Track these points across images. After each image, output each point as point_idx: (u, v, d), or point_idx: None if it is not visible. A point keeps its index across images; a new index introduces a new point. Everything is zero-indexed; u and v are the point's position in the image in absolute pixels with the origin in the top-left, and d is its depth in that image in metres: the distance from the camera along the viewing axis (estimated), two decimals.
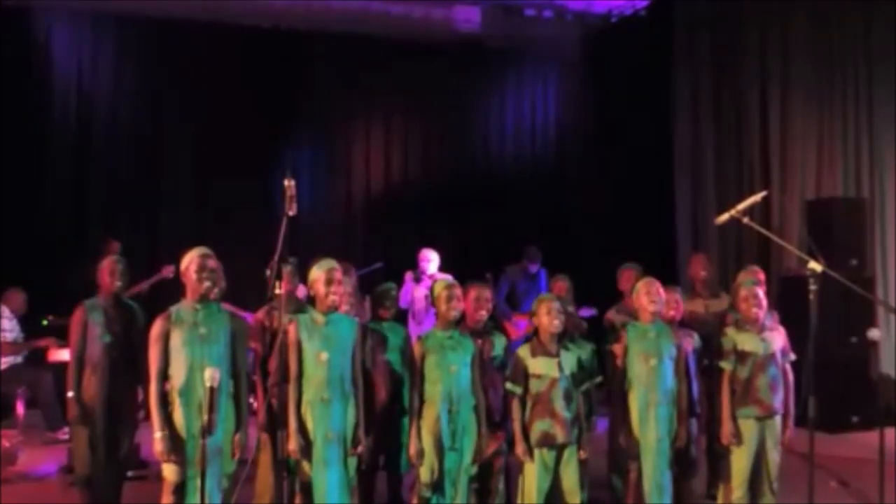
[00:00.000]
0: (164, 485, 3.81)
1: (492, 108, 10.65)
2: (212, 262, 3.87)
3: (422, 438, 4.07)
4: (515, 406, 4.17)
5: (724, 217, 4.40)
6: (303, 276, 4.24)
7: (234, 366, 3.88)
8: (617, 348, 4.41)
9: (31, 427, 6.73)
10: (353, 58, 9.55)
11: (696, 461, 4.77)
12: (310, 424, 3.88)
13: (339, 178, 10.05)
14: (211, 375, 3.33)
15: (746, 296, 4.42)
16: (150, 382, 3.80)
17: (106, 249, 7.13)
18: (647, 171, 9.15)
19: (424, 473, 4.07)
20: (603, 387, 4.61)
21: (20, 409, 6.85)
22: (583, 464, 4.24)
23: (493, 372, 4.33)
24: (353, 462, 3.99)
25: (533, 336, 4.24)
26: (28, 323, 7.08)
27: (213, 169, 9.34)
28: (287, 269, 4.10)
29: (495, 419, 4.29)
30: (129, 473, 5.00)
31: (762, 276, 4.69)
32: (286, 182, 3.74)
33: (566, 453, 4.15)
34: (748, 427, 4.35)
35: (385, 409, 4.52)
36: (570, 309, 4.71)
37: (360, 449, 3.99)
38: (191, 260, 3.87)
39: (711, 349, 4.68)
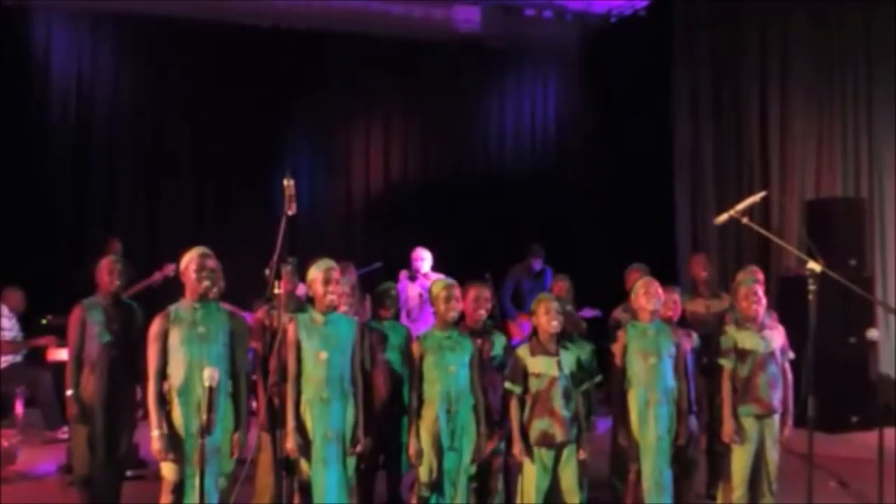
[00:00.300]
0: (162, 484, 3.81)
1: (491, 108, 10.65)
2: (211, 262, 3.88)
3: (421, 438, 4.07)
4: (514, 405, 4.17)
5: (724, 217, 4.41)
6: (302, 275, 4.25)
7: (232, 365, 3.88)
8: (616, 348, 4.41)
9: (30, 426, 6.72)
10: (353, 58, 9.56)
11: (696, 460, 4.77)
12: (309, 424, 3.89)
13: (338, 177, 10.05)
14: (210, 375, 3.33)
15: (746, 293, 4.43)
16: (148, 381, 3.80)
17: (107, 249, 7.13)
18: (646, 171, 9.15)
19: (423, 473, 4.08)
20: (602, 386, 4.61)
21: (19, 408, 6.85)
22: (582, 464, 4.25)
23: (492, 371, 4.33)
24: (352, 461, 3.99)
25: (532, 336, 4.25)
26: (27, 322, 7.08)
27: (212, 169, 9.35)
28: (287, 269, 4.11)
29: (495, 419, 4.29)
30: (128, 473, 5.01)
31: (761, 276, 4.69)
32: (285, 182, 3.75)
33: (565, 453, 4.15)
34: (748, 425, 4.36)
35: (385, 409, 4.52)
36: (569, 308, 4.71)
37: (359, 448, 3.99)
38: (190, 259, 3.87)
39: (712, 349, 4.69)
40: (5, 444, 5.89)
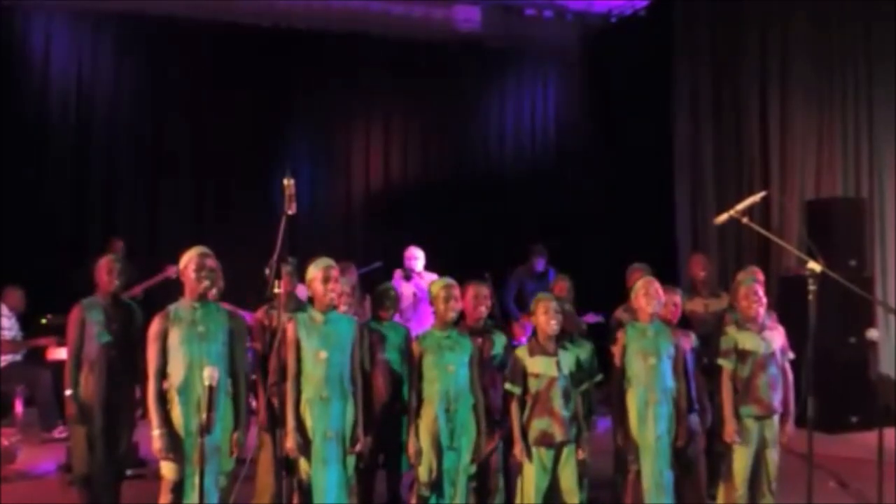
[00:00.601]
0: (162, 483, 3.82)
1: (492, 108, 10.65)
2: (210, 262, 3.88)
3: (420, 438, 4.07)
4: (514, 406, 4.17)
5: (724, 217, 4.40)
6: (302, 275, 4.25)
7: (232, 364, 3.88)
8: (615, 349, 4.41)
9: (29, 425, 6.73)
10: (353, 57, 9.56)
11: (696, 460, 4.77)
12: (309, 423, 3.89)
13: (338, 177, 10.05)
14: (209, 374, 3.34)
15: (746, 293, 4.43)
16: (148, 381, 3.80)
17: (109, 248, 7.15)
18: (646, 171, 9.15)
19: (423, 473, 4.08)
20: (603, 386, 4.61)
21: (19, 407, 6.86)
22: (582, 463, 4.25)
23: (493, 371, 4.33)
24: (351, 461, 4.00)
25: (531, 336, 4.25)
26: (27, 321, 7.09)
27: (212, 169, 9.36)
28: (286, 269, 4.11)
29: (496, 418, 4.29)
30: (128, 472, 5.01)
31: (761, 276, 4.69)
32: (285, 181, 3.75)
33: (565, 453, 4.15)
34: (748, 426, 4.36)
35: (384, 409, 4.52)
36: (568, 307, 4.71)
37: (358, 447, 3.99)
38: (189, 259, 3.88)
39: (709, 348, 4.69)
40: (5, 443, 5.90)
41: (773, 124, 8.40)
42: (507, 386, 4.20)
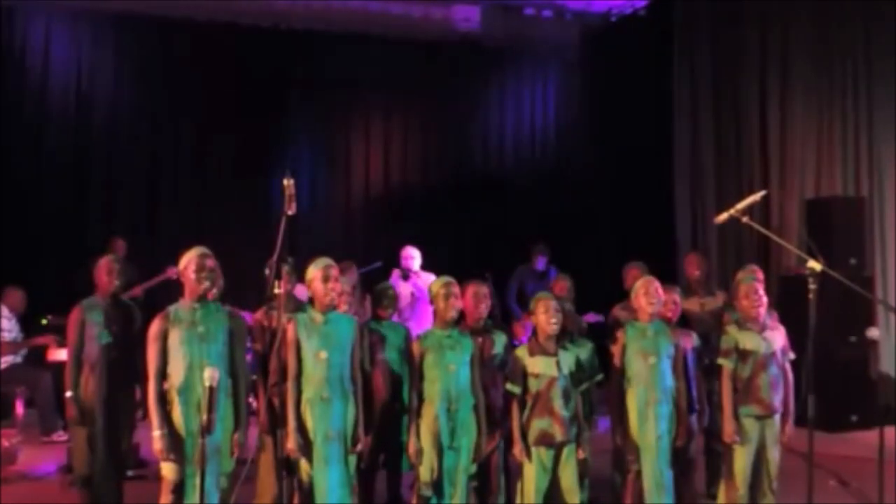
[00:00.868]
0: (162, 484, 3.81)
1: (491, 107, 10.65)
2: (210, 262, 3.88)
3: (421, 437, 4.07)
4: (514, 406, 4.17)
5: (724, 216, 4.40)
6: (301, 275, 4.24)
7: (232, 365, 3.88)
8: (615, 348, 4.41)
9: (30, 426, 6.72)
10: (353, 57, 9.56)
11: (695, 459, 4.77)
12: (310, 423, 3.89)
13: (338, 177, 10.05)
14: (210, 375, 3.33)
15: (747, 293, 4.41)
16: (148, 382, 3.80)
17: (111, 248, 7.15)
18: (646, 171, 9.15)
19: (424, 472, 4.07)
20: (603, 385, 4.61)
21: (19, 408, 6.86)
22: (583, 463, 4.25)
23: (493, 370, 4.33)
24: (353, 461, 3.99)
25: (531, 336, 4.25)
26: (27, 322, 7.08)
27: (212, 168, 9.36)
28: (285, 269, 4.11)
29: (495, 418, 4.29)
30: (129, 472, 5.01)
31: (761, 275, 4.68)
32: (285, 181, 3.75)
33: (565, 452, 4.15)
34: (749, 426, 4.35)
35: (384, 408, 4.52)
36: (568, 306, 4.71)
37: (359, 447, 3.99)
38: (189, 260, 3.87)
39: (709, 347, 4.68)
40: (6, 444, 5.90)
41: (772, 123, 8.40)
42: (508, 386, 4.20)
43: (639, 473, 4.27)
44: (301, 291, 4.64)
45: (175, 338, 3.78)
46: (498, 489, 4.37)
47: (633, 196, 9.27)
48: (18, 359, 6.87)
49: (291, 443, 3.85)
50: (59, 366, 5.50)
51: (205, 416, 3.33)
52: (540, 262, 7.83)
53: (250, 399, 5.43)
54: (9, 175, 8.39)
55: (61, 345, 6.11)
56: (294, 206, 3.74)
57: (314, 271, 4.00)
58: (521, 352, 4.20)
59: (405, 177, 10.28)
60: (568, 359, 4.21)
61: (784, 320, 4.67)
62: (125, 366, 4.56)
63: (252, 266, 5.29)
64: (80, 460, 4.62)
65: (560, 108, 10.85)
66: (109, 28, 9.13)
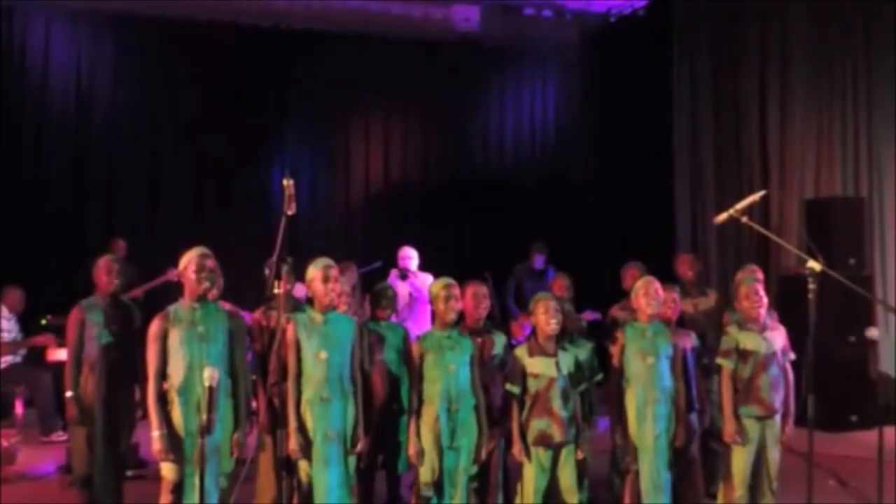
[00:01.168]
0: (162, 484, 3.81)
1: (491, 107, 10.65)
2: (210, 262, 3.88)
3: (421, 438, 4.06)
4: (514, 406, 4.17)
5: (723, 216, 4.40)
6: (301, 275, 4.24)
7: (232, 365, 3.88)
8: (614, 348, 4.41)
9: (29, 426, 6.73)
10: (353, 57, 9.56)
11: (695, 460, 4.77)
12: (309, 423, 3.89)
13: (337, 177, 10.05)
14: (209, 375, 3.33)
15: (748, 293, 4.41)
16: (147, 381, 3.80)
17: (111, 249, 7.14)
18: (646, 170, 9.15)
19: (424, 473, 4.07)
20: (603, 385, 4.61)
21: (19, 408, 6.86)
22: (582, 463, 4.25)
23: (493, 370, 4.33)
24: (352, 461, 3.99)
25: (531, 335, 4.25)
26: (27, 322, 7.08)
27: (212, 168, 9.35)
28: (284, 269, 4.11)
29: (495, 418, 4.29)
30: (128, 472, 5.01)
31: (760, 275, 4.68)
32: (285, 181, 3.75)
33: (563, 453, 4.15)
34: (749, 426, 4.35)
35: (382, 409, 4.52)
36: (568, 306, 4.71)
37: (359, 447, 3.99)
38: (189, 260, 3.87)
39: (704, 348, 4.68)
40: (5, 444, 5.90)
41: (772, 123, 8.40)
42: (508, 386, 4.20)
43: (637, 473, 4.27)
44: (300, 291, 4.64)
45: (175, 338, 3.78)
46: (497, 489, 4.37)
47: (633, 195, 9.27)
48: (18, 358, 6.87)
49: (293, 443, 3.85)
50: (59, 366, 5.51)
51: (204, 417, 3.33)
52: (538, 261, 7.83)
53: (251, 399, 5.41)
54: (9, 175, 8.39)
55: (60, 345, 6.11)
56: (294, 206, 3.74)
57: (314, 271, 4.00)
58: (521, 352, 4.20)
59: (405, 176, 10.28)
60: (567, 359, 4.21)
61: (784, 320, 4.68)
62: (125, 366, 4.56)
63: (252, 266, 5.29)
64: (79, 460, 4.62)
65: (560, 107, 10.85)
66: (109, 28, 9.13)
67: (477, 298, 4.29)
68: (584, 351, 4.51)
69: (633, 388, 4.28)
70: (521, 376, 4.16)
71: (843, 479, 5.56)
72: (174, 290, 4.04)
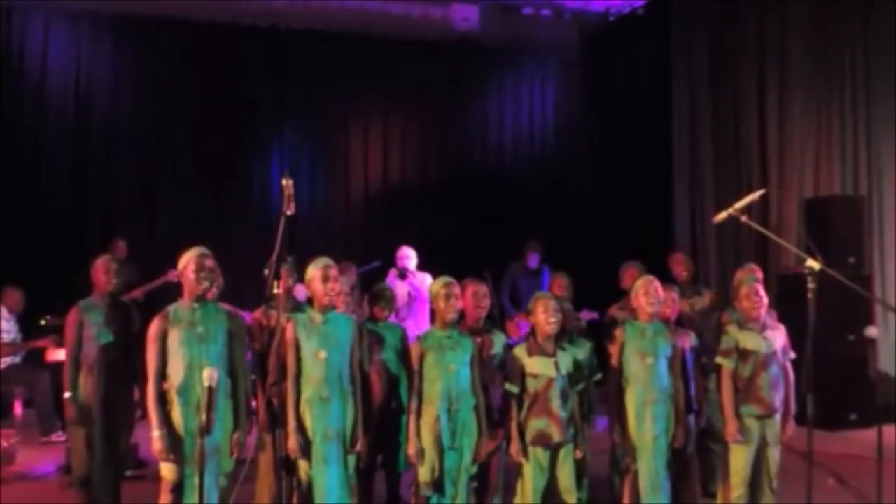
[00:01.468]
0: (162, 484, 3.81)
1: (490, 107, 10.65)
2: (209, 262, 3.88)
3: (421, 438, 4.06)
4: (513, 406, 4.17)
5: (723, 215, 4.40)
6: (301, 275, 4.24)
7: (231, 365, 3.87)
8: (612, 348, 4.40)
9: (29, 427, 6.73)
10: (352, 57, 9.56)
11: (694, 459, 4.77)
12: (309, 423, 3.89)
13: (337, 177, 10.05)
14: (209, 375, 3.33)
15: (748, 293, 4.40)
16: (147, 382, 3.80)
17: (112, 250, 7.14)
18: (644, 169, 9.15)
19: (424, 473, 4.06)
20: (602, 385, 4.61)
21: (18, 408, 6.86)
22: (582, 462, 4.25)
23: (492, 370, 4.33)
24: (352, 460, 3.99)
25: (530, 335, 4.24)
26: (27, 322, 7.08)
27: (211, 168, 9.35)
28: (285, 267, 4.12)
29: (494, 417, 4.29)
30: (128, 473, 5.01)
31: (760, 275, 4.69)
32: (284, 181, 3.75)
33: (562, 452, 4.15)
34: (749, 425, 4.34)
35: (381, 409, 4.52)
36: (567, 306, 4.70)
37: (358, 447, 3.99)
38: (188, 260, 3.87)
39: (703, 347, 4.68)
40: (4, 444, 5.90)
41: (771, 122, 8.40)
42: (507, 386, 4.20)
43: (636, 473, 4.27)
44: (300, 293, 4.64)
45: (174, 338, 3.78)
46: (498, 489, 4.37)
47: (632, 194, 9.27)
48: (17, 359, 6.87)
49: (292, 443, 3.85)
50: (58, 366, 5.51)
51: (204, 417, 3.33)
52: (532, 260, 7.84)
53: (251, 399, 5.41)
54: (8, 175, 8.39)
55: (60, 345, 6.11)
56: (293, 205, 3.74)
57: (314, 271, 4.00)
58: (520, 351, 4.20)
59: (404, 176, 10.28)
60: (566, 359, 4.21)
61: (783, 319, 4.68)
62: (123, 366, 4.56)
63: (251, 266, 5.29)
64: (78, 461, 4.62)
65: (558, 107, 10.85)
66: (108, 28, 9.13)
67: (477, 297, 4.29)
68: (583, 351, 4.51)
69: (632, 389, 4.28)
70: (520, 376, 4.16)
71: (842, 478, 5.56)
72: (174, 291, 4.04)
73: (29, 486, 5.58)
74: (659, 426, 4.23)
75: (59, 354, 6.22)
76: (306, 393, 3.90)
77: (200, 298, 3.85)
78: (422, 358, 4.10)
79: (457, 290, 4.18)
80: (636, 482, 4.27)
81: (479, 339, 4.26)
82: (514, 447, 4.13)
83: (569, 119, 10.76)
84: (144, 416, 3.88)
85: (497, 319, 5.59)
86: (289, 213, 3.72)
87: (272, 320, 4.28)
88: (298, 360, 3.92)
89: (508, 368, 4.23)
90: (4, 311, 6.86)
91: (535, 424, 4.11)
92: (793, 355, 4.50)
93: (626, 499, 4.40)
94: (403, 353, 4.45)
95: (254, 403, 5.03)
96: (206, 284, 3.84)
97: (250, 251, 5.71)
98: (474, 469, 4.14)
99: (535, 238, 8.07)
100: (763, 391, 4.32)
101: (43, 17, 8.89)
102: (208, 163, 9.32)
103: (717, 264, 8.56)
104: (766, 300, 4.41)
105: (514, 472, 4.28)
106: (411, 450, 4.07)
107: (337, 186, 10.04)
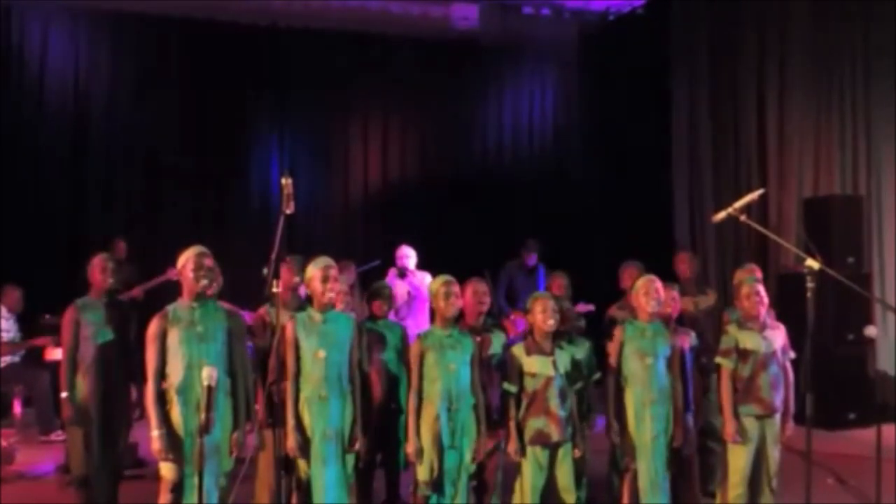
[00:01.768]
0: (161, 483, 3.81)
1: (489, 106, 10.66)
2: (208, 261, 3.87)
3: (421, 437, 4.06)
4: (511, 405, 4.17)
5: (722, 215, 4.40)
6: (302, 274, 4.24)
7: (231, 364, 3.87)
8: (611, 347, 4.40)
9: (28, 426, 6.72)
10: (352, 56, 9.57)
11: (693, 459, 4.77)
12: (308, 422, 3.89)
13: (336, 176, 10.06)
14: (209, 374, 3.33)
15: (749, 293, 4.40)
16: (146, 381, 3.79)
17: (112, 250, 7.14)
18: (644, 169, 9.15)
19: (424, 472, 4.06)
20: (601, 384, 4.61)
21: (17, 408, 6.85)
22: (581, 461, 4.25)
23: (491, 369, 4.33)
24: (351, 459, 3.99)
25: (528, 334, 4.24)
26: (26, 321, 7.07)
27: (210, 167, 9.35)
28: (290, 265, 4.12)
29: (494, 417, 4.28)
30: (127, 472, 5.00)
31: (759, 274, 4.69)
32: (283, 180, 3.75)
33: (561, 452, 4.15)
34: (749, 425, 4.34)
35: (381, 408, 4.52)
36: (566, 305, 4.70)
37: (357, 446, 3.99)
38: (187, 259, 3.87)
39: (705, 346, 4.68)
40: (4, 443, 5.89)
41: (771, 122, 8.41)
42: (505, 385, 4.19)
43: (636, 473, 4.27)
44: (302, 291, 4.64)
45: (174, 337, 3.77)
46: (497, 488, 4.37)
47: (631, 194, 9.28)
48: (16, 358, 6.86)
49: (291, 442, 3.85)
50: (57, 365, 5.49)
51: (203, 416, 3.33)
52: (530, 258, 7.84)
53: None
54: (8, 175, 8.38)
55: (58, 344, 6.10)
56: (292, 204, 3.74)
57: (313, 270, 4.00)
58: (518, 350, 4.20)
59: (403, 175, 10.28)
60: (564, 358, 4.21)
61: (782, 319, 4.67)
62: (121, 365, 4.55)
63: (251, 265, 5.27)
64: (76, 460, 4.61)
65: (558, 106, 10.86)
66: (107, 27, 9.13)
67: (477, 296, 4.29)
68: (581, 350, 4.51)
69: (631, 389, 4.28)
70: (519, 375, 4.16)
71: (841, 478, 5.57)
72: (174, 290, 4.03)
73: (28, 486, 5.58)
74: (658, 426, 4.23)
75: (57, 353, 6.21)
76: (305, 392, 3.90)
77: (200, 297, 3.84)
78: (422, 357, 4.10)
79: (456, 288, 4.18)
80: (635, 482, 4.27)
81: (478, 338, 4.26)
82: (512, 446, 4.13)
83: (568, 118, 10.76)
84: (143, 415, 3.87)
85: (496, 318, 5.59)
86: (288, 211, 3.72)
87: (274, 319, 4.28)
88: (298, 359, 3.92)
89: (506, 368, 4.23)
90: (4, 310, 6.85)
91: (534, 423, 4.11)
92: (792, 355, 4.49)
93: (625, 498, 4.40)
94: (404, 353, 4.45)
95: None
96: (204, 283, 3.83)
97: (250, 250, 5.70)
98: (474, 468, 4.14)
99: (534, 237, 8.07)
100: (763, 391, 4.32)
101: (42, 16, 8.89)
102: (208, 162, 9.32)
103: (717, 264, 8.56)
104: (766, 299, 4.41)
105: (513, 472, 4.28)
106: (410, 449, 4.07)
107: (336, 185, 10.05)
